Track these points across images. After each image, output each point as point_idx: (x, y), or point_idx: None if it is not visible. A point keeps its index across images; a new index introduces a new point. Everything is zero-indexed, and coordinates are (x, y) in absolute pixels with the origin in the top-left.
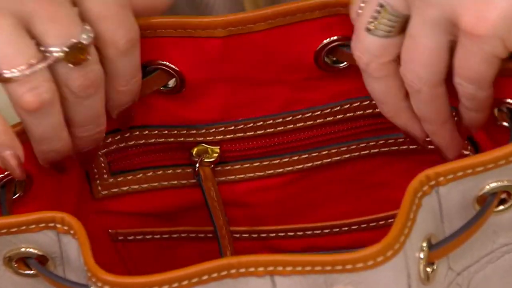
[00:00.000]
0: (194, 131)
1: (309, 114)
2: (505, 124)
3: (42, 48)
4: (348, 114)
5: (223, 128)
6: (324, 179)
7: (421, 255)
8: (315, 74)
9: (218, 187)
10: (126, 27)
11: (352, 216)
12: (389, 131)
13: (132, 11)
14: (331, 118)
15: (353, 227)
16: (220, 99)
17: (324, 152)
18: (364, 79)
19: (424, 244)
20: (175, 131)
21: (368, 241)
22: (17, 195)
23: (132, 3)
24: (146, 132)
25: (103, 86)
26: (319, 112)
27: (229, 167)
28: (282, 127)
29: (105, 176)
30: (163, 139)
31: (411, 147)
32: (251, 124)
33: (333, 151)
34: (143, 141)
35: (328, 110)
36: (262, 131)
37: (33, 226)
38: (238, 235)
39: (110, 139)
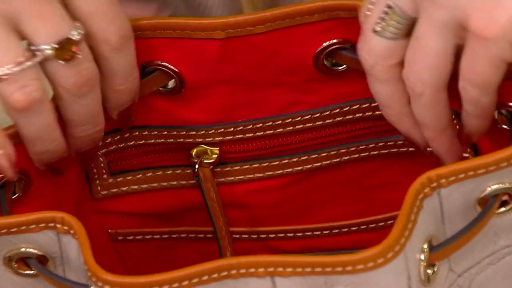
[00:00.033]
0: (194, 132)
1: (309, 116)
2: (505, 127)
3: (33, 47)
4: (347, 117)
5: (222, 130)
6: (323, 180)
7: (422, 257)
8: (315, 77)
9: (217, 188)
10: (117, 24)
11: (352, 218)
12: (389, 134)
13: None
14: (331, 121)
15: (353, 229)
16: (220, 101)
17: (324, 154)
18: (369, 82)
19: (425, 246)
20: (175, 132)
21: (368, 242)
22: (16, 195)
23: None
24: (146, 132)
25: (98, 85)
26: (318, 114)
27: (228, 168)
28: (282, 129)
29: (105, 176)
30: (162, 140)
31: (410, 149)
32: (251, 126)
33: (333, 153)
34: (143, 141)
35: (328, 112)
36: (262, 133)
37: (33, 226)
38: (237, 236)
39: (109, 139)
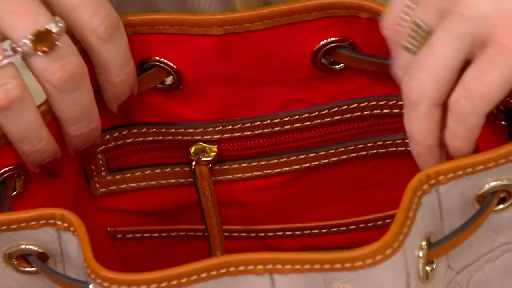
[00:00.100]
0: (192, 130)
1: (307, 115)
2: (503, 123)
3: (13, 45)
4: (346, 115)
5: (220, 127)
6: (321, 179)
7: (420, 254)
8: (313, 75)
9: (215, 186)
10: (102, 14)
11: (350, 217)
12: (387, 132)
13: None
14: (329, 119)
15: (351, 227)
16: (218, 98)
17: (322, 153)
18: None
19: (424, 243)
20: (173, 129)
21: (367, 241)
22: (16, 192)
23: None
24: (144, 129)
25: (88, 79)
26: (316, 113)
27: (226, 166)
28: (280, 127)
29: (103, 173)
30: (161, 137)
31: (408, 148)
32: (249, 124)
33: (331, 151)
34: (141, 138)
35: (326, 111)
36: (260, 131)
37: (33, 222)
38: (236, 234)
39: (107, 136)
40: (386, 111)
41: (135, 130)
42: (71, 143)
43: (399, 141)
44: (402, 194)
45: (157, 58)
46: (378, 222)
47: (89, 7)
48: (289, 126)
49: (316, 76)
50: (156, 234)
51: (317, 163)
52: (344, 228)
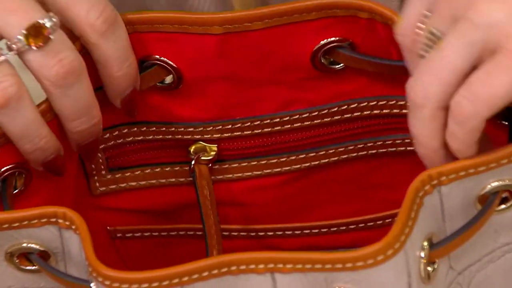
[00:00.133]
0: (192, 129)
1: (307, 115)
2: (504, 122)
3: (8, 43)
4: (345, 115)
5: (220, 127)
6: (321, 179)
7: (422, 254)
8: (312, 75)
9: (215, 186)
10: (98, 8)
11: (350, 217)
12: (387, 133)
13: None
14: (329, 119)
15: (351, 227)
16: (218, 98)
17: (322, 153)
18: None
19: (425, 243)
20: (173, 128)
21: (366, 240)
22: (17, 190)
23: None
24: (144, 128)
25: (86, 75)
26: (316, 113)
27: (226, 166)
28: (280, 127)
29: (103, 172)
30: (160, 136)
31: (408, 148)
32: (249, 123)
33: (331, 151)
34: (141, 137)
35: (326, 111)
36: (260, 130)
37: (35, 221)
38: (236, 233)
39: (108, 134)
40: (386, 111)
41: (135, 128)
42: (73, 139)
43: (399, 141)
44: (402, 194)
45: (157, 56)
46: (378, 222)
47: (85, 2)
48: (289, 126)
49: (316, 76)
50: (156, 233)
51: (317, 163)
52: (344, 228)
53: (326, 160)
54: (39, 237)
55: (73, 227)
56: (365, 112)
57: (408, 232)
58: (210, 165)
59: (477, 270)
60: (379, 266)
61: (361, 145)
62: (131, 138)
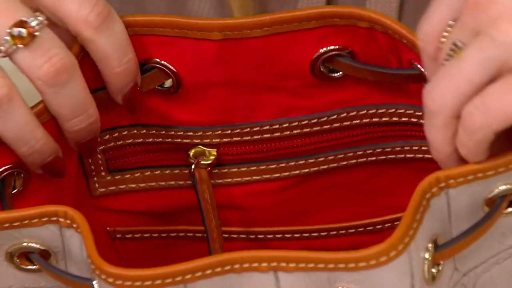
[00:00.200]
0: (191, 133)
1: (306, 122)
2: None
3: None
4: (345, 123)
5: (220, 132)
6: (321, 185)
7: (426, 255)
8: (312, 83)
9: (214, 190)
10: (89, 3)
11: (349, 221)
12: (386, 140)
13: None
14: (328, 126)
15: (350, 231)
16: (217, 103)
17: (321, 159)
18: None
19: (430, 245)
20: (172, 132)
21: (366, 244)
22: (16, 190)
23: None
24: (144, 131)
25: (78, 72)
26: (316, 120)
27: (226, 170)
28: (279, 133)
29: (103, 173)
30: (160, 139)
31: (408, 155)
32: (248, 129)
33: (330, 158)
34: (141, 140)
35: (325, 118)
36: (259, 136)
37: (36, 220)
38: (235, 236)
39: (107, 136)
40: (385, 119)
41: (135, 131)
42: (71, 138)
43: (398, 149)
44: (402, 200)
45: (157, 60)
46: (377, 227)
47: None
48: (288, 132)
49: (315, 84)
50: (156, 235)
51: (316, 169)
52: (343, 231)
53: (326, 167)
54: (40, 236)
55: (74, 225)
56: (364, 120)
57: (412, 234)
58: (209, 169)
59: (482, 272)
60: (382, 267)
61: (361, 152)
62: (131, 140)
